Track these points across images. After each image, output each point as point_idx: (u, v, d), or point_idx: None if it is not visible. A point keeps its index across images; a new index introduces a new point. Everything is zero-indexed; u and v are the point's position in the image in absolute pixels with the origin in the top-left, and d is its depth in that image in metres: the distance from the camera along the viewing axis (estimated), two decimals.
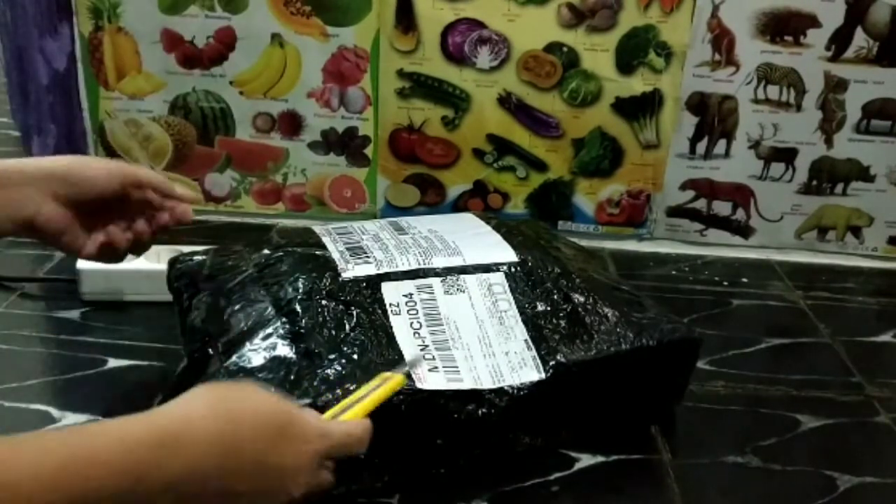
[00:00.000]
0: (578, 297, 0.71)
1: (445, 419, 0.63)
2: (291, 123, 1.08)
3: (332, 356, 0.62)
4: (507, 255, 0.74)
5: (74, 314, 0.86)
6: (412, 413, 0.61)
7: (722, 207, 1.11)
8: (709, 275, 1.06)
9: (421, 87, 1.05)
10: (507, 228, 0.80)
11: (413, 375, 0.61)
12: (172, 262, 0.77)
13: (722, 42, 1.02)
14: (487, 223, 0.81)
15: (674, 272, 1.06)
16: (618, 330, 0.70)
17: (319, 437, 0.51)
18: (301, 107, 1.07)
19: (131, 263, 0.88)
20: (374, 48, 1.03)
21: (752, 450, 0.72)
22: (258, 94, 1.06)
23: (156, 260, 0.88)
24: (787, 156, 1.08)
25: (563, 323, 0.70)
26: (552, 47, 1.02)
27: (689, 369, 0.75)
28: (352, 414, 0.55)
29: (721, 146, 1.08)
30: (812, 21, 1.01)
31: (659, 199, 1.10)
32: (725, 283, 1.04)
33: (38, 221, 0.64)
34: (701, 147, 1.08)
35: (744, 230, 1.12)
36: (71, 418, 0.70)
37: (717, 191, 1.10)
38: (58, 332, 0.83)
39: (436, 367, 0.64)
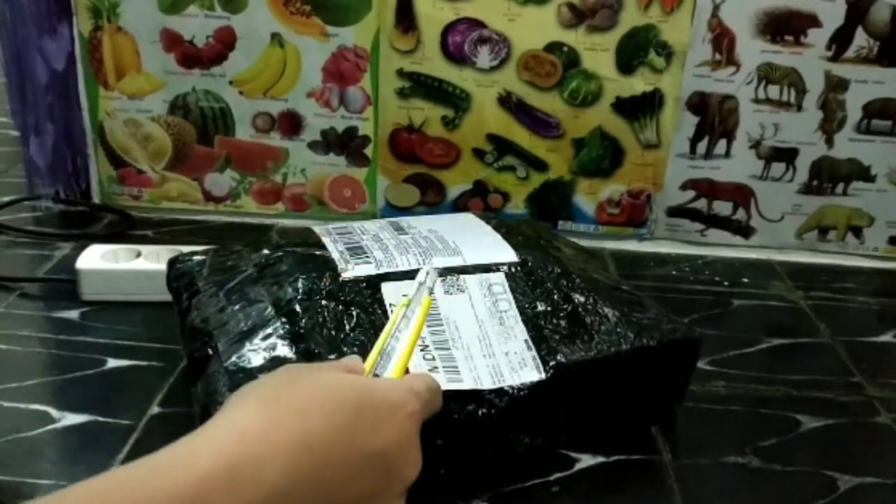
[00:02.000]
0: (579, 297, 0.71)
1: (445, 419, 0.63)
2: (291, 123, 1.08)
3: (332, 356, 0.62)
4: (508, 255, 0.74)
5: (74, 314, 0.86)
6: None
7: (722, 207, 1.11)
8: (709, 275, 1.06)
9: (421, 86, 1.05)
10: (507, 228, 0.80)
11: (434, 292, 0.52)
12: (172, 262, 0.77)
13: (722, 42, 1.02)
14: (487, 223, 0.81)
15: (674, 272, 1.06)
16: (618, 330, 0.69)
17: (409, 395, 0.42)
18: (301, 106, 1.07)
19: (130, 263, 0.88)
20: (374, 48, 1.03)
21: (753, 450, 0.72)
22: (258, 94, 1.06)
23: (155, 260, 0.88)
24: (787, 156, 1.08)
25: (563, 323, 0.70)
26: (552, 47, 1.02)
27: (690, 369, 0.75)
28: (402, 361, 0.47)
29: (721, 146, 1.07)
30: (813, 21, 1.01)
31: (659, 199, 1.10)
32: (726, 284, 1.04)
33: None
34: (701, 147, 1.08)
35: (744, 230, 1.12)
36: (70, 419, 0.70)
37: (718, 191, 1.10)
38: (57, 332, 0.83)
39: (436, 367, 0.64)
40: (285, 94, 1.06)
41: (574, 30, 1.02)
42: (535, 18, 1.01)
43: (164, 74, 1.05)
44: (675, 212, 1.11)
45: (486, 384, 0.64)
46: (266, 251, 0.74)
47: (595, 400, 0.70)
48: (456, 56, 1.03)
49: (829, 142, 1.07)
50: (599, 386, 0.69)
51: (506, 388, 0.64)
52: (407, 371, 0.50)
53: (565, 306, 0.71)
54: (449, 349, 0.65)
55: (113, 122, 1.08)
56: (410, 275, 0.70)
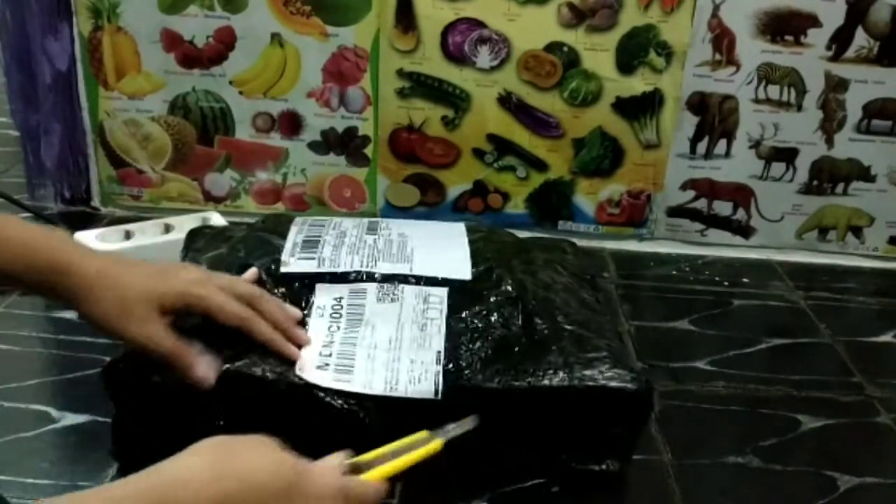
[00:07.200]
0: (515, 326, 0.67)
1: (326, 409, 0.61)
2: (291, 123, 1.08)
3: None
4: (460, 272, 0.71)
5: (74, 314, 0.85)
6: (290, 403, 0.61)
7: (722, 207, 1.11)
8: (709, 275, 1.06)
9: (421, 86, 1.05)
10: (487, 243, 0.76)
11: (448, 441, 0.57)
12: (192, 233, 0.80)
13: (722, 42, 1.02)
14: (471, 236, 0.77)
15: (674, 272, 1.06)
16: (545, 366, 0.64)
17: (332, 496, 0.49)
18: (301, 106, 1.07)
19: (122, 244, 0.91)
20: (374, 48, 1.03)
21: (753, 450, 0.72)
22: (258, 94, 1.06)
23: (144, 236, 0.90)
24: (787, 156, 1.08)
25: (487, 347, 0.65)
26: (552, 47, 1.02)
27: (638, 423, 0.66)
28: (379, 472, 0.53)
29: (721, 146, 1.07)
30: (813, 21, 1.01)
31: (659, 199, 1.10)
32: (726, 284, 1.04)
33: None
34: (701, 147, 1.08)
35: (744, 230, 1.12)
36: (70, 419, 0.70)
37: (718, 191, 1.10)
38: (57, 332, 0.83)
39: (327, 364, 0.62)
40: (285, 94, 1.06)
41: (574, 30, 1.02)
42: (535, 18, 1.01)
43: (164, 74, 1.05)
44: (675, 212, 1.11)
45: (378, 390, 0.61)
46: (241, 232, 0.76)
47: (523, 432, 0.65)
48: (456, 56, 1.03)
49: (830, 142, 1.07)
50: (523, 419, 0.64)
51: (394, 398, 0.61)
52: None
53: (499, 332, 0.66)
54: (354, 345, 0.64)
55: (113, 122, 1.08)
56: (346, 277, 0.69)
